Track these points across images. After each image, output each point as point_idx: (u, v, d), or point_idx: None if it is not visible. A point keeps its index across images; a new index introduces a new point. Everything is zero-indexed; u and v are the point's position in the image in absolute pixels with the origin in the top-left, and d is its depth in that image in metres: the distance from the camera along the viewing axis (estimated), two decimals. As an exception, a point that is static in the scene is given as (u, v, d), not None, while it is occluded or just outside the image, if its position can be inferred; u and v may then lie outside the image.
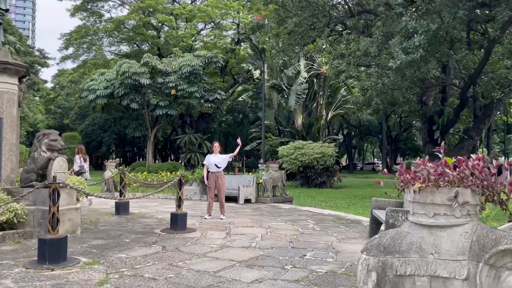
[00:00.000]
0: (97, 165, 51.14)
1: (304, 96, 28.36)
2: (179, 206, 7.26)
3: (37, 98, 65.98)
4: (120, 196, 9.43)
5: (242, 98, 34.46)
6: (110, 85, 23.55)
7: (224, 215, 8.93)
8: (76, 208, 6.75)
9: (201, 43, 33.22)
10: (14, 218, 6.15)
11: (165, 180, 14.27)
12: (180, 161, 36.40)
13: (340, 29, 18.68)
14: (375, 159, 76.71)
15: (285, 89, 29.20)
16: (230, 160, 9.50)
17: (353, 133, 57.76)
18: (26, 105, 46.55)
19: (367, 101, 14.01)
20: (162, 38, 32.99)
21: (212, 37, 32.87)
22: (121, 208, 9.22)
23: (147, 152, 28.00)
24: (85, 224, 7.91)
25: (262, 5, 21.98)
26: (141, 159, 54.83)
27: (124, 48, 39.19)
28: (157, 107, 24.02)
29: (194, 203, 12.13)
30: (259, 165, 20.88)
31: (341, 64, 13.48)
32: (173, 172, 15.33)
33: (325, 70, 28.00)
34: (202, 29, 35.38)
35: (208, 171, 9.01)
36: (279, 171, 12.90)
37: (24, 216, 6.27)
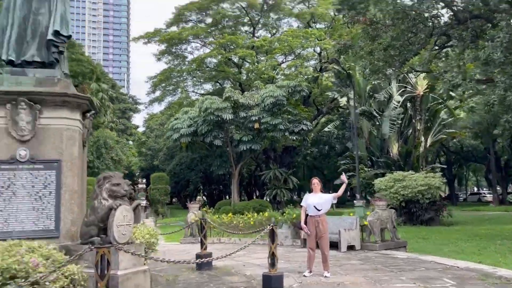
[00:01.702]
0: (185, 205, 51.64)
1: (399, 122, 25.60)
2: (272, 265, 5.52)
3: (130, 142, 70.44)
4: (201, 247, 7.95)
5: (328, 128, 32.48)
6: (194, 123, 23.13)
7: (328, 272, 6.97)
8: (144, 270, 5.31)
9: (283, 76, 32.28)
10: (71, 285, 4.87)
11: (251, 223, 12.72)
12: (265, 198, 34.98)
13: (442, 42, 16.23)
14: (479, 189, 68.75)
15: (376, 115, 26.71)
16: (335, 201, 7.62)
17: (452, 160, 52.17)
18: (120, 149, 49.33)
19: (492, 119, 11.36)
20: (243, 73, 32.62)
21: (293, 68, 31.79)
22: (203, 261, 7.69)
23: (232, 190, 26.97)
24: (160, 285, 6.48)
25: (347, 26, 20.29)
26: (227, 197, 54.66)
27: (207, 87, 39.77)
28: (241, 143, 22.99)
29: (286, 251, 10.31)
30: (355, 201, 18.57)
31: (456, 77, 11.11)
32: (260, 212, 13.74)
33: (421, 91, 25.15)
34: (282, 62, 34.58)
35: (306, 215, 7.20)
36: (387, 210, 10.64)
37: (82, 283, 4.96)
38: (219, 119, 21.91)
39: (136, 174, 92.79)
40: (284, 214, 12.55)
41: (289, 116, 23.36)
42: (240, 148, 23.23)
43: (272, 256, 5.53)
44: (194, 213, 13.41)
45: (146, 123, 65.88)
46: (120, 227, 5.11)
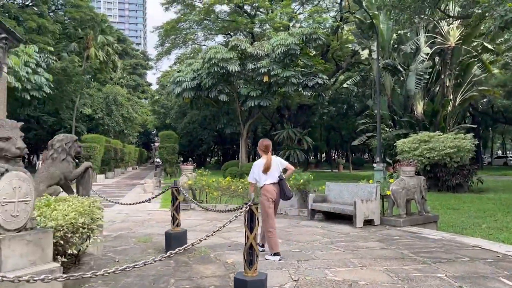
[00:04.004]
0: (200, 164, 50.55)
1: (427, 78, 22.90)
2: (250, 263, 3.64)
3: (144, 101, 69.07)
4: (172, 223, 6.14)
5: (347, 84, 29.95)
6: (197, 76, 20.97)
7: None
8: (51, 269, 3.49)
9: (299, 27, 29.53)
10: None
11: (252, 188, 10.87)
12: (279, 159, 33.12)
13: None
14: (505, 152, 65.55)
15: (401, 70, 24.03)
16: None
17: (479, 121, 49.05)
18: (131, 106, 47.90)
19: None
20: (256, 23, 29.97)
21: (311, 21, 28.95)
22: (174, 242, 5.91)
23: (240, 150, 25.15)
24: (101, 279, 4.72)
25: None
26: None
27: (219, 39, 37.37)
28: (248, 98, 20.80)
29: (289, 224, 8.50)
30: (375, 164, 16.54)
31: (510, 11, 8.64)
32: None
33: (453, 43, 22.29)
34: (300, 13, 31.67)
35: None
36: (415, 177, 8.61)
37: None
38: (225, 71, 19.68)
39: (153, 132, 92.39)
40: (291, 179, 10.66)
41: (303, 69, 20.95)
42: (248, 104, 21.08)
43: (250, 251, 3.64)
44: (187, 175, 11.65)
45: (159, 80, 64.24)
46: (7, 206, 3.26)
